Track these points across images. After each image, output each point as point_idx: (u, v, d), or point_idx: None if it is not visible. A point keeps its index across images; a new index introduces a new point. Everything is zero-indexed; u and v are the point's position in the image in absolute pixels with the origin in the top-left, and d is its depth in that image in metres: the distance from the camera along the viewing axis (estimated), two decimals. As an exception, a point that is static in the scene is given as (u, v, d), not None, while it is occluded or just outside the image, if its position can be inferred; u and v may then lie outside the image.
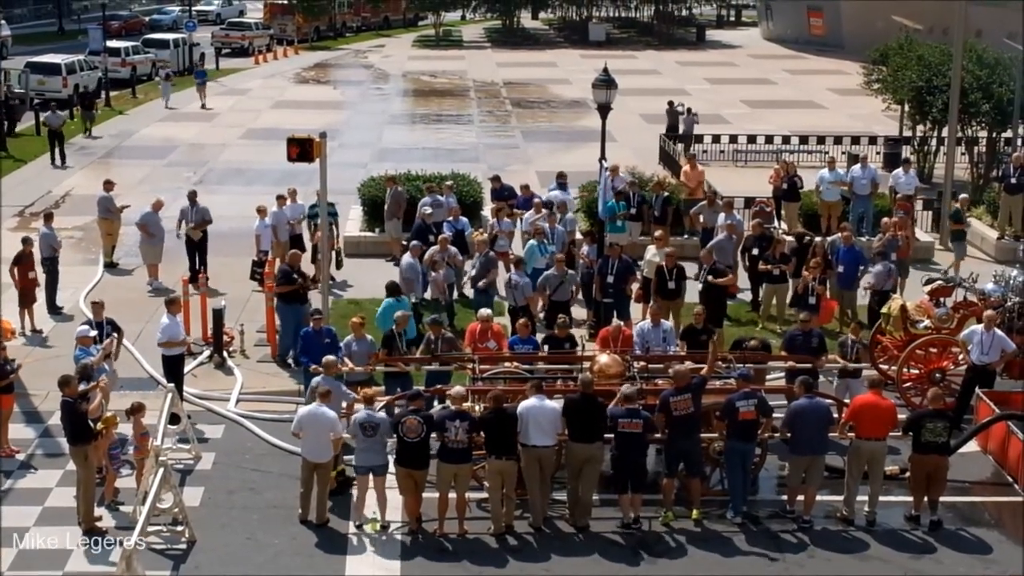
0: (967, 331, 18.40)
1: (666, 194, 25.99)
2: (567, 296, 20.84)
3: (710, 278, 21.09)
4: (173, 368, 18.36)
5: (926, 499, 15.49)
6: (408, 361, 17.62)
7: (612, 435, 15.22)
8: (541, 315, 21.19)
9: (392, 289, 19.62)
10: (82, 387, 15.49)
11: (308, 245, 24.78)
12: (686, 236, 26.36)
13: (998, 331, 18.12)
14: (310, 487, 15.23)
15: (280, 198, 24.79)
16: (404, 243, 23.53)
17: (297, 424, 15.30)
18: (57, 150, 36.34)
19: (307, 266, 22.67)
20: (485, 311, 18.72)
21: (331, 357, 16.58)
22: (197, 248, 24.62)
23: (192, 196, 25.15)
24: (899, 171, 28.70)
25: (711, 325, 18.95)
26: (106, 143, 40.15)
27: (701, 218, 25.08)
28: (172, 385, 17.62)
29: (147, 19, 79.15)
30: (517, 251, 24.26)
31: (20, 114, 42.07)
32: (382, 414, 15.34)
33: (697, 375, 15.83)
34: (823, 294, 21.21)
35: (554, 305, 20.39)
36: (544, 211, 24.19)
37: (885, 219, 24.32)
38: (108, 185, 26.42)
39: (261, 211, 24.21)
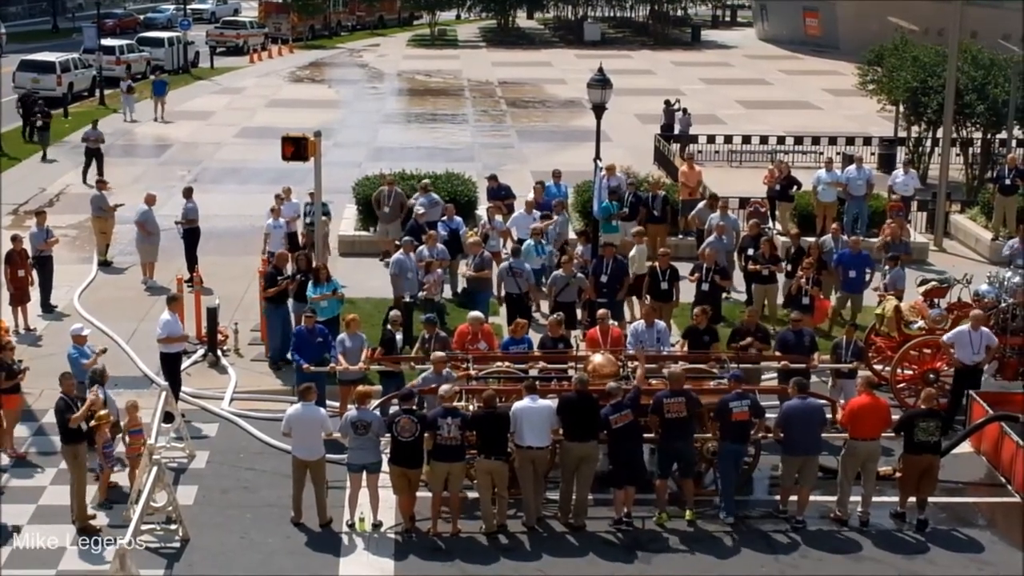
0: (952, 333, 18.42)
1: (663, 193, 25.96)
2: (573, 297, 20.76)
3: (716, 278, 21.08)
4: (171, 366, 18.32)
5: (914, 498, 15.51)
6: (402, 360, 17.63)
7: (605, 433, 15.20)
8: (538, 314, 21.13)
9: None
10: (90, 394, 15.37)
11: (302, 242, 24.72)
12: (680, 236, 26.36)
13: (984, 328, 18.20)
14: (302, 487, 15.20)
15: (278, 198, 24.75)
16: (397, 243, 23.49)
17: (286, 423, 15.27)
18: (94, 169, 33.03)
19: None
20: (476, 313, 18.64)
21: (440, 353, 16.53)
22: (190, 246, 24.58)
23: (188, 192, 25.11)
24: (898, 171, 28.70)
25: (712, 325, 18.94)
26: (100, 141, 39.98)
27: (699, 219, 25.05)
28: (167, 383, 17.59)
29: (142, 17, 79.23)
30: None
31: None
32: (375, 412, 15.33)
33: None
34: (817, 295, 21.20)
35: (560, 306, 20.27)
36: (536, 211, 24.21)
37: (890, 222, 24.32)
38: (101, 184, 26.35)
39: (275, 210, 24.10)
